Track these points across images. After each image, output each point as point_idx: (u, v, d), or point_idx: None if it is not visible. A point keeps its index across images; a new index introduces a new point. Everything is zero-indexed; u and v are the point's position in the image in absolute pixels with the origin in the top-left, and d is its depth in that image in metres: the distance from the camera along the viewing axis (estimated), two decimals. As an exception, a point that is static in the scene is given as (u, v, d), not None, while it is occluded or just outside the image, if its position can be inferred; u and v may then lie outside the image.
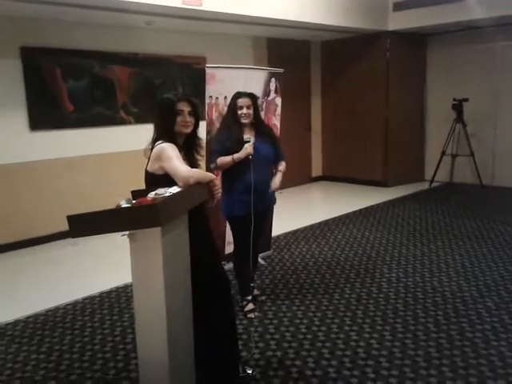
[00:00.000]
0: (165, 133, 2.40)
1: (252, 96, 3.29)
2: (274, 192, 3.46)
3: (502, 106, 7.41)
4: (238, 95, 3.27)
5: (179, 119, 2.40)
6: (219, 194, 2.46)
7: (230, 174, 3.26)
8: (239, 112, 3.22)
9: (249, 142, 3.18)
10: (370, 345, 2.98)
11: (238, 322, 3.18)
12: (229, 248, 4.25)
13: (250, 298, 3.51)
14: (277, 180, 3.36)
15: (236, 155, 3.16)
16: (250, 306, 3.48)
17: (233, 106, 3.26)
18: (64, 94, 5.39)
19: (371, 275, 4.12)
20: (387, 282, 3.96)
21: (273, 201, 3.56)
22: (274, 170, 3.43)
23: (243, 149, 3.15)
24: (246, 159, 3.16)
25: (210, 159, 3.32)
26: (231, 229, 3.49)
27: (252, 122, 3.30)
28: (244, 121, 3.24)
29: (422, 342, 3.00)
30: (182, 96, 2.50)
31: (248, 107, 3.22)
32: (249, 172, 3.18)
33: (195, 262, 2.33)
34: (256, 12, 5.54)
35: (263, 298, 3.71)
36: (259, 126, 3.36)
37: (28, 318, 3.53)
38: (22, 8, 4.55)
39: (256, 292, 3.70)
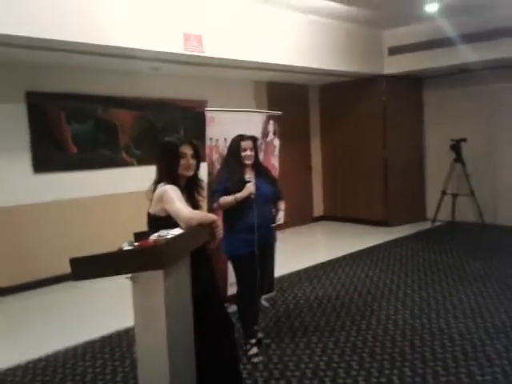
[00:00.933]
0: (168, 175, 2.42)
1: (253, 138, 3.40)
2: (274, 230, 3.52)
3: (499, 145, 7.49)
4: (241, 138, 3.35)
5: (182, 162, 2.44)
6: (221, 235, 2.46)
7: (232, 213, 3.30)
8: (243, 154, 3.30)
9: (250, 181, 3.25)
10: (377, 390, 2.89)
11: (241, 366, 3.09)
12: (231, 289, 4.19)
13: (253, 341, 3.43)
14: (280, 215, 3.50)
15: (238, 194, 3.21)
16: (254, 349, 3.40)
17: (235, 148, 3.33)
18: (68, 137, 5.47)
19: (377, 317, 4.05)
20: (393, 324, 3.88)
21: (274, 239, 3.59)
22: (275, 210, 3.52)
23: (245, 188, 3.22)
24: (247, 198, 3.22)
25: (212, 199, 3.36)
26: (234, 268, 3.48)
27: (252, 163, 3.37)
28: (247, 162, 3.32)
29: (431, 386, 2.91)
30: (184, 139, 2.55)
31: (251, 149, 3.32)
32: (250, 211, 3.23)
33: (198, 302, 2.30)
34: (255, 57, 5.69)
35: (267, 340, 3.62)
36: (258, 167, 3.46)
37: (28, 363, 3.45)
38: (27, 54, 4.68)
39: (260, 335, 3.62)
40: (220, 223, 2.46)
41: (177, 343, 2.10)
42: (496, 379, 2.96)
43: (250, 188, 3.22)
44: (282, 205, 3.54)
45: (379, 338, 3.62)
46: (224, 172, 3.41)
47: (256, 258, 3.27)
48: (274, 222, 3.50)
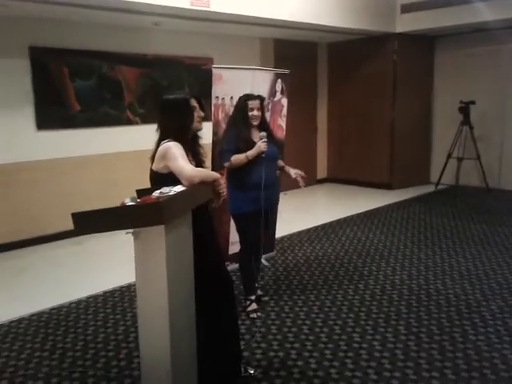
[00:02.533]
0: (180, 131, 2.39)
1: (261, 98, 3.37)
2: (278, 190, 3.57)
3: (510, 108, 7.38)
4: (248, 97, 3.32)
5: (195, 115, 2.45)
6: (224, 193, 2.47)
7: (239, 171, 3.31)
8: (249, 114, 3.29)
9: (264, 139, 3.24)
10: (372, 346, 2.98)
11: (240, 322, 3.18)
12: (232, 248, 4.25)
13: (253, 297, 3.52)
14: (293, 170, 3.55)
15: (250, 152, 3.22)
16: (254, 305, 3.49)
17: (243, 108, 3.31)
18: (71, 94, 5.42)
19: (375, 277, 4.12)
20: (391, 284, 3.95)
21: (278, 198, 3.62)
22: (279, 170, 3.57)
23: (256, 146, 3.23)
24: (257, 157, 3.23)
25: (223, 158, 3.35)
26: (238, 226, 3.51)
27: (258, 124, 3.36)
28: (254, 123, 3.32)
29: (424, 344, 2.99)
30: (188, 93, 2.56)
31: (258, 109, 3.30)
32: (258, 169, 3.24)
33: (199, 260, 2.34)
34: (263, 13, 5.55)
35: (266, 298, 3.70)
36: (265, 127, 3.42)
37: (32, 316, 3.55)
38: (30, 8, 4.59)
39: (259, 292, 3.70)
40: (223, 182, 2.47)
41: (177, 298, 2.15)
42: (489, 339, 3.03)
43: (261, 146, 3.22)
44: (282, 163, 3.60)
45: (376, 298, 3.69)
46: (231, 131, 3.40)
47: (260, 216, 3.31)
48: (278, 182, 3.53)
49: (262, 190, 3.24)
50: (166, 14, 5.09)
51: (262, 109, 3.36)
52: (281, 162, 3.61)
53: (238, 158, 3.25)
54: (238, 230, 3.53)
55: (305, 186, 3.52)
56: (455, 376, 2.65)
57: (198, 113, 2.50)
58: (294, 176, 3.50)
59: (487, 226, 5.57)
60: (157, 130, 2.46)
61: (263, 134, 3.26)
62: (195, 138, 2.53)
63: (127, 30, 5.71)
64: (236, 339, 2.66)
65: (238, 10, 5.30)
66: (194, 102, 2.48)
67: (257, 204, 3.28)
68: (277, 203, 3.71)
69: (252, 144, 3.26)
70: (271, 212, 3.59)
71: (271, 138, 3.46)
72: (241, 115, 3.32)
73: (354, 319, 3.34)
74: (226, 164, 3.33)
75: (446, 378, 2.64)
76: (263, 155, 3.24)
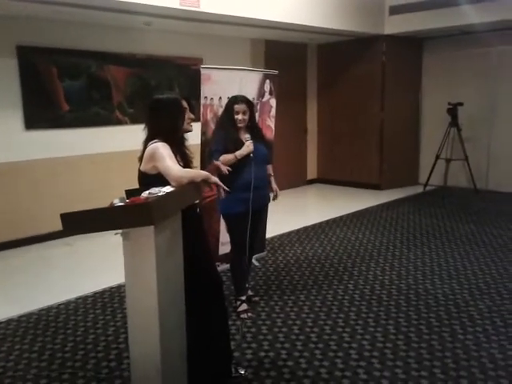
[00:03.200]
0: (167, 132, 2.38)
1: (248, 102, 3.37)
2: (268, 191, 3.60)
3: (498, 110, 7.46)
4: (235, 100, 3.33)
5: (186, 117, 2.45)
6: (217, 182, 2.46)
7: (230, 172, 3.26)
8: (235, 117, 3.31)
9: (249, 140, 3.28)
10: (362, 346, 2.99)
11: (230, 322, 3.18)
12: (223, 249, 4.25)
13: (244, 298, 3.52)
14: (274, 185, 3.64)
15: (238, 152, 3.24)
16: (244, 306, 3.49)
17: (230, 110, 3.33)
18: (60, 94, 5.38)
19: (364, 277, 4.14)
20: (380, 284, 3.97)
21: (268, 199, 3.64)
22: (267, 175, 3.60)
23: (245, 146, 3.26)
24: (246, 157, 3.25)
25: (212, 158, 3.34)
26: (228, 227, 3.53)
27: (247, 125, 3.37)
28: (240, 125, 3.34)
29: (413, 343, 3.01)
30: (179, 94, 2.55)
31: (244, 113, 3.31)
32: (248, 170, 3.27)
33: (189, 260, 2.33)
34: (254, 14, 5.56)
35: (257, 298, 3.71)
36: (254, 129, 3.44)
37: (21, 317, 3.52)
38: (18, 7, 4.55)
39: (250, 293, 3.71)
40: (212, 177, 2.46)
41: (167, 299, 2.14)
42: (478, 338, 3.06)
43: (249, 146, 3.25)
44: (271, 170, 3.63)
45: (365, 298, 3.71)
46: (219, 132, 3.42)
47: (249, 217, 3.31)
48: (268, 183, 3.57)
49: (252, 191, 3.25)
50: (155, 13, 5.07)
51: (250, 111, 3.37)
52: (270, 170, 3.63)
53: (226, 158, 3.25)
54: (229, 231, 3.55)
55: (274, 200, 3.65)
56: (444, 375, 2.67)
57: (188, 114, 2.50)
58: (272, 190, 3.61)
59: (475, 227, 5.63)
60: (144, 129, 2.44)
61: (247, 136, 3.29)
62: (181, 140, 2.52)
63: (117, 30, 5.69)
64: (226, 339, 2.66)
65: (228, 10, 5.30)
66: (184, 104, 2.49)
67: (247, 204, 3.28)
68: (267, 204, 3.71)
69: (240, 144, 3.28)
70: (262, 213, 3.60)
71: (261, 139, 3.49)
72: (228, 117, 3.35)
73: (344, 319, 3.36)
74: (216, 164, 3.32)
75: (434, 377, 2.66)
76: (251, 155, 3.26)
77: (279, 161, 5.77)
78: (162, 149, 2.32)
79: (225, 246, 4.22)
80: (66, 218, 1.94)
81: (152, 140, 2.39)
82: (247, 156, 3.26)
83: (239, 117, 3.30)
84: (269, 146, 3.60)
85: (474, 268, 4.31)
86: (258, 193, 3.31)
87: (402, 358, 2.85)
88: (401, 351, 2.92)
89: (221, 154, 3.26)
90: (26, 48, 5.08)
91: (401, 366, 2.77)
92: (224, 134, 3.34)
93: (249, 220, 3.31)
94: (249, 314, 3.44)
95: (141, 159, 2.42)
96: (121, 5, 4.58)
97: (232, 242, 3.52)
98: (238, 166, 3.25)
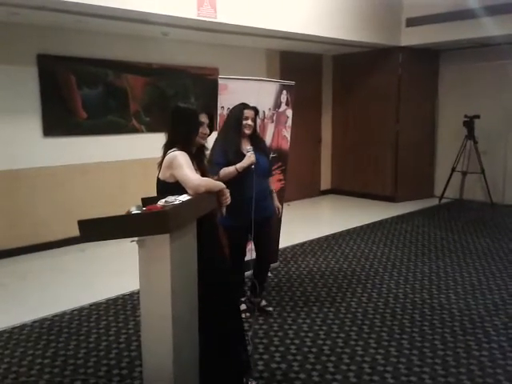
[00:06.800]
0: (183, 142, 2.41)
1: (255, 109, 3.37)
2: (271, 203, 3.54)
3: (514, 124, 7.39)
4: (244, 106, 3.32)
5: (200, 130, 2.45)
6: (227, 203, 2.46)
7: (228, 183, 3.22)
8: (244, 122, 3.27)
9: (251, 151, 3.22)
10: (375, 360, 2.95)
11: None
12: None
13: (243, 299, 3.58)
14: (276, 202, 3.62)
15: (239, 164, 3.18)
16: (243, 306, 3.52)
17: (239, 116, 3.29)
18: (78, 102, 5.46)
19: (378, 290, 4.10)
20: (394, 298, 3.93)
21: (271, 213, 3.55)
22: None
23: (246, 157, 3.19)
24: (247, 169, 3.19)
25: (212, 171, 3.21)
26: (227, 239, 3.44)
27: (250, 135, 3.35)
28: (247, 131, 3.30)
29: (428, 359, 2.97)
30: (202, 107, 2.54)
31: (252, 119, 3.30)
32: (248, 182, 3.20)
33: (204, 269, 2.33)
34: (270, 25, 5.60)
35: (271, 309, 3.69)
36: (256, 139, 3.42)
37: (34, 322, 3.55)
38: (39, 16, 4.64)
39: (263, 303, 3.69)
40: (227, 191, 2.47)
41: (181, 307, 2.14)
42: (493, 355, 3.00)
43: (251, 157, 3.18)
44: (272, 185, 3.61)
45: (379, 311, 3.67)
46: (221, 143, 3.33)
47: (249, 230, 3.26)
48: (270, 195, 3.52)
49: (253, 204, 3.19)
50: (173, 24, 5.13)
51: (255, 121, 3.35)
52: (271, 184, 3.58)
53: (227, 171, 3.19)
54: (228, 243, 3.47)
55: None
56: (459, 392, 2.63)
57: (204, 129, 2.49)
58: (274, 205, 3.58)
59: (491, 241, 5.55)
60: (165, 135, 2.48)
61: (249, 147, 3.24)
62: (202, 149, 2.54)
63: (134, 40, 5.77)
64: (242, 349, 2.64)
65: (245, 21, 5.34)
66: (203, 118, 2.48)
67: (245, 218, 3.22)
68: (271, 216, 3.56)
69: (242, 156, 3.21)
70: (263, 226, 3.41)
71: (262, 150, 3.43)
72: (234, 123, 3.29)
73: (357, 332, 3.32)
74: (215, 178, 3.24)
75: (449, 393, 2.61)
76: (253, 166, 3.19)
77: (293, 171, 5.76)
78: (180, 157, 2.34)
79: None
80: (83, 224, 1.96)
81: (171, 147, 2.41)
82: (248, 168, 3.19)
83: (248, 122, 3.26)
84: (283, 156, 3.56)
85: (490, 283, 4.25)
86: (258, 205, 3.24)
87: (416, 373, 2.81)
88: (415, 366, 2.88)
89: (221, 168, 3.20)
90: (46, 56, 5.17)
91: (415, 381, 2.72)
92: (226, 144, 3.27)
93: (248, 234, 3.29)
94: (247, 314, 3.46)
95: (160, 165, 2.44)
96: (139, 15, 4.65)
97: (229, 253, 3.43)
98: (238, 177, 3.18)
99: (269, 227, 3.53)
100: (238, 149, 3.26)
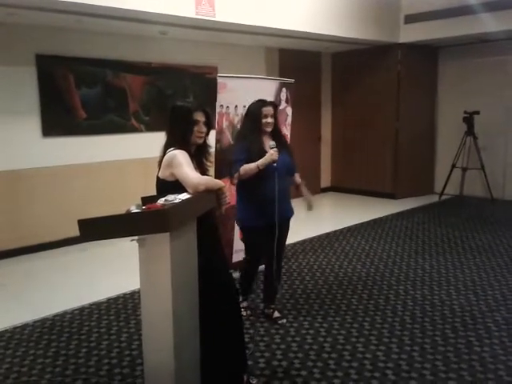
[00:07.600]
0: (180, 141, 2.40)
1: (274, 105, 3.25)
2: (290, 203, 3.41)
3: (514, 119, 7.38)
4: (263, 104, 3.18)
5: (195, 129, 2.43)
6: (227, 201, 2.46)
7: (250, 182, 3.15)
8: (263, 120, 3.15)
9: (274, 148, 3.09)
10: (376, 357, 2.96)
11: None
12: (236, 256, 4.26)
13: (245, 304, 3.57)
14: (307, 193, 3.44)
15: (260, 161, 3.05)
16: (244, 303, 3.53)
17: (257, 114, 3.16)
18: (77, 102, 5.46)
19: (379, 287, 4.10)
20: (395, 295, 3.93)
21: (291, 213, 3.44)
22: (295, 185, 3.43)
23: (268, 154, 3.06)
24: (267, 167, 3.07)
25: (233, 168, 3.18)
26: (246, 239, 3.40)
27: (271, 131, 3.23)
28: (267, 129, 3.18)
29: (429, 355, 2.97)
30: (197, 105, 2.51)
31: (271, 116, 3.17)
32: (270, 180, 3.08)
33: (203, 268, 2.34)
34: (269, 23, 5.59)
35: (284, 321, 3.45)
36: (277, 136, 3.28)
37: (35, 322, 3.55)
38: (38, 16, 4.64)
39: (277, 314, 3.50)
40: (226, 190, 2.46)
41: (181, 306, 2.14)
42: (494, 351, 3.01)
43: (273, 154, 3.04)
44: (299, 178, 3.43)
45: (380, 308, 3.67)
46: (242, 141, 3.23)
47: (272, 231, 3.16)
48: (290, 195, 3.36)
49: (276, 204, 3.08)
50: (171, 23, 5.13)
51: (275, 116, 3.21)
52: (298, 179, 3.43)
53: (248, 167, 3.08)
54: (245, 242, 3.43)
55: (310, 210, 3.42)
56: (460, 387, 2.63)
57: (200, 128, 2.45)
58: (304, 199, 3.41)
59: (492, 237, 5.55)
60: (165, 134, 2.47)
61: (272, 143, 3.11)
62: (204, 147, 2.53)
63: (133, 39, 5.76)
64: (241, 347, 2.64)
65: (243, 19, 5.33)
66: (199, 116, 2.44)
67: (267, 218, 3.14)
68: (290, 217, 3.45)
69: (264, 153, 3.09)
70: (283, 228, 3.30)
71: (285, 147, 3.30)
72: (254, 122, 3.16)
73: (358, 329, 3.33)
74: (236, 175, 3.17)
75: (450, 389, 2.62)
76: (275, 164, 3.06)
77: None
78: (179, 156, 2.33)
79: (238, 254, 4.23)
80: (83, 224, 1.96)
81: (170, 146, 2.41)
82: (269, 165, 3.06)
83: (268, 120, 3.13)
84: (292, 154, 3.35)
85: (491, 279, 4.25)
86: (279, 206, 3.12)
87: (416, 369, 2.81)
88: (416, 363, 2.88)
89: (242, 164, 3.10)
90: (44, 57, 5.17)
91: (416, 377, 2.73)
92: (247, 143, 3.14)
93: (268, 234, 3.18)
94: (248, 312, 3.46)
95: (160, 164, 2.44)
96: (137, 14, 4.65)
97: (247, 253, 3.43)
98: (259, 176, 3.08)
99: (287, 229, 3.44)
100: (262, 147, 3.13)
